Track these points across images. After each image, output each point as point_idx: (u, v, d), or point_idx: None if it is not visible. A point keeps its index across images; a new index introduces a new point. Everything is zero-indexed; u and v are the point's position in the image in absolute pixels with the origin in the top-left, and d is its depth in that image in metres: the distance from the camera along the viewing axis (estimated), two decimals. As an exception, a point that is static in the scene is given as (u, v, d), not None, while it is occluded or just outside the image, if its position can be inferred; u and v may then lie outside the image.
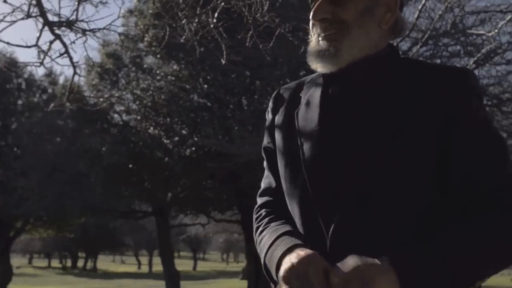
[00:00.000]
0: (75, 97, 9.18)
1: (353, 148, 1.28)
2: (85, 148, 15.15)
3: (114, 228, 37.55)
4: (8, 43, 4.13)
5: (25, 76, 19.14)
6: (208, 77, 12.31)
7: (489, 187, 1.23)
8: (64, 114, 16.32)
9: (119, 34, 6.36)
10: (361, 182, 1.26)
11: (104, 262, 55.83)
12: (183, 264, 40.32)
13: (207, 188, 14.79)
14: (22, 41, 4.01)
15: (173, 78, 12.97)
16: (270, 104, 1.55)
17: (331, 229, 1.28)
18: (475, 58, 5.74)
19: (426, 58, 11.70)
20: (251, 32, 4.08)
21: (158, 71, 13.56)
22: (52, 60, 4.18)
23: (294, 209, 1.39)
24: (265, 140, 1.54)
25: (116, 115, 15.69)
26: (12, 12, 3.96)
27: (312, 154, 1.33)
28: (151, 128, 13.34)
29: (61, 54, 4.17)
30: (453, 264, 1.15)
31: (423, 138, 1.26)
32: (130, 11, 13.78)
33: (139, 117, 13.86)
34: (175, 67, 13.05)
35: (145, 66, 14.37)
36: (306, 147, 1.35)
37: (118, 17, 4.94)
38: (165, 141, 13.10)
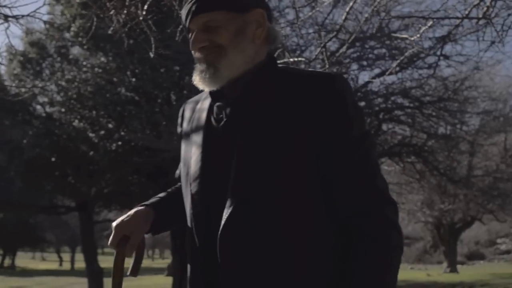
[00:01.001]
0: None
1: (232, 161, 1.39)
2: (5, 140, 14.52)
3: (34, 224, 36.24)
4: None
5: None
6: (137, 71, 12.10)
7: (351, 212, 1.35)
8: (-18, 104, 15.56)
9: (44, 22, 6.14)
10: (239, 194, 1.36)
11: (23, 259, 53.72)
12: (107, 261, 39.46)
13: (133, 183, 14.54)
14: None
15: (100, 70, 12.66)
16: (179, 118, 1.69)
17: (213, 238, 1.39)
18: (398, 61, 5.95)
19: (353, 60, 12.03)
20: (181, 26, 4.04)
21: (84, 63, 13.20)
22: (-30, 46, 3.98)
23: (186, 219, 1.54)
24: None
25: (39, 107, 15.13)
26: None
27: (195, 170, 1.47)
28: (76, 121, 12.98)
29: (-20, 41, 3.98)
30: None
31: (297, 148, 1.35)
32: (57, -1, 13.32)
33: (63, 109, 13.45)
34: (102, 59, 12.74)
35: (71, 56, 13.95)
36: (193, 161, 1.49)
37: (44, 4, 4.77)
38: (90, 134, 12.78)
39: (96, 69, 12.71)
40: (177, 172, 1.73)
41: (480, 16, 4.14)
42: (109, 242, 1.52)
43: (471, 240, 37.96)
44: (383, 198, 1.37)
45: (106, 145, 12.55)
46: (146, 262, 47.15)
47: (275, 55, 3.97)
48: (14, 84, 12.33)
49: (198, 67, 1.47)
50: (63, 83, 13.15)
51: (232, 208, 1.36)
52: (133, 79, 12.26)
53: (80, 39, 12.18)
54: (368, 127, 1.50)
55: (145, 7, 4.13)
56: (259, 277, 1.33)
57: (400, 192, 21.14)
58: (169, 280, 15.78)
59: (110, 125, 12.74)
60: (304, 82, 1.40)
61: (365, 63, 12.30)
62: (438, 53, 7.69)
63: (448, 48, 10.23)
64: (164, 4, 4.15)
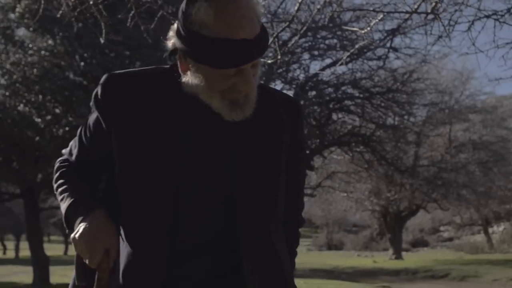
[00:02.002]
0: None
1: (218, 173, 1.44)
2: None
3: (-24, 211, 35.08)
4: None
5: None
6: (85, 55, 11.81)
7: (295, 210, 1.66)
8: None
9: (-13, 2, 5.89)
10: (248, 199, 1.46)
11: (-36, 247, 51.99)
12: (53, 249, 38.65)
13: (80, 170, 14.25)
14: None
15: (47, 54, 12.30)
16: (99, 97, 1.46)
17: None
18: (349, 53, 6.03)
19: (304, 49, 12.12)
20: (132, 12, 3.97)
21: (30, 45, 12.78)
22: None
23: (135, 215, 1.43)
24: (93, 120, 1.49)
25: (-19, 90, 14.60)
26: None
27: (164, 182, 1.40)
28: (21, 105, 12.59)
29: None
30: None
31: (281, 158, 1.52)
32: (1, -21, 12.83)
33: (7, 93, 13.01)
34: (49, 41, 12.37)
35: (16, 38, 13.47)
36: (161, 171, 1.40)
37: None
38: (36, 119, 12.43)
39: (43, 52, 12.35)
40: (66, 150, 1.61)
41: (429, 11, 4.24)
42: (89, 261, 1.38)
43: (416, 228, 39.09)
44: (302, 207, 1.72)
45: (52, 130, 12.25)
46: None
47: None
48: (-45, 66, 11.85)
49: (232, 102, 1.37)
50: (8, 66, 12.71)
51: (242, 215, 1.45)
52: (82, 64, 11.97)
53: (26, 20, 11.78)
54: None
55: (95, -10, 4.03)
56: (273, 266, 1.50)
57: (349, 181, 21.54)
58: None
59: (57, 110, 12.43)
60: (283, 102, 1.56)
61: (316, 53, 12.42)
62: (388, 45, 7.83)
63: (397, 41, 10.44)
64: (115, -12, 4.07)
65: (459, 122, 22.14)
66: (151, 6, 3.97)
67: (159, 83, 1.46)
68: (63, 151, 1.64)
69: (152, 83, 1.46)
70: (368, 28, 4.43)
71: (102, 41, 4.19)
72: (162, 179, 1.40)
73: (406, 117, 14.96)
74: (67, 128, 12.02)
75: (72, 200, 1.45)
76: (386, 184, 21.87)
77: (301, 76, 12.81)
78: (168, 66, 1.50)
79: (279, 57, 4.06)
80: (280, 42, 8.13)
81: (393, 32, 5.92)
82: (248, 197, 1.45)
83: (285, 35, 10.16)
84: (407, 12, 4.52)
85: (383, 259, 24.87)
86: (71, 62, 11.97)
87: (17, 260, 35.20)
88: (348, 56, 6.86)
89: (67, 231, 1.49)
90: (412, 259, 25.13)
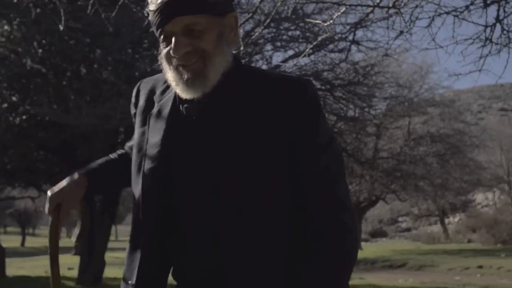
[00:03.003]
0: None
1: (197, 168, 1.43)
2: None
3: None
4: None
5: None
6: (44, 41, 11.51)
7: (316, 215, 1.40)
8: None
9: None
10: (225, 194, 1.39)
11: None
12: (10, 240, 37.81)
13: (38, 159, 13.93)
14: None
15: (3, 39, 11.94)
16: (133, 98, 1.65)
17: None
18: (312, 46, 6.06)
19: (267, 40, 12.11)
20: (93, -2, 3.89)
21: (-14, 31, 12.40)
22: None
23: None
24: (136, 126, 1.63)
25: None
26: None
27: (149, 169, 1.48)
28: (-24, 92, 12.22)
29: None
30: None
31: (271, 149, 1.39)
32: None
33: (-39, 80, 12.60)
34: (6, 27, 12.01)
35: (-30, 23, 13.05)
36: (148, 159, 1.49)
37: None
38: (-8, 107, 12.08)
39: (-1, 38, 12.00)
40: (128, 144, 1.77)
41: (391, 5, 4.29)
42: (45, 210, 1.59)
43: (375, 219, 39.80)
44: (340, 205, 1.44)
45: (9, 119, 11.93)
46: (51, 241, 45.58)
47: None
48: None
49: (178, 75, 1.41)
50: (-38, 52, 12.31)
51: (222, 206, 1.39)
52: (40, 50, 11.67)
53: (-19, 5, 11.41)
54: (333, 134, 1.55)
55: (54, -24, 3.93)
56: (257, 267, 1.39)
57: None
58: (77, 259, 15.37)
59: (14, 98, 12.10)
60: (277, 86, 1.44)
61: (279, 44, 12.43)
62: (350, 38, 7.90)
63: (359, 34, 10.52)
64: (74, -26, 3.97)
65: (418, 115, 22.58)
66: (112, -7, 3.90)
67: (165, 84, 1.54)
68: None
69: (161, 84, 1.57)
70: (331, 21, 4.46)
71: (61, 28, 4.09)
72: (147, 181, 1.47)
73: (366, 109, 15.13)
74: (24, 117, 11.73)
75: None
76: (346, 176, 22.13)
77: (264, 67, 12.82)
78: None
79: (242, 48, 4.05)
80: (244, 32, 8.11)
81: (355, 26, 5.97)
82: (226, 202, 1.39)
83: (248, 26, 10.12)
84: (369, 5, 4.56)
85: (342, 249, 25.23)
86: (29, 48, 11.65)
87: (-28, 252, 34.22)
88: (310, 48, 6.88)
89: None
90: (371, 249, 25.57)
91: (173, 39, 1.38)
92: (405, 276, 14.97)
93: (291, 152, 1.41)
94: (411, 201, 28.12)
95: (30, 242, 45.72)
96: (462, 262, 16.82)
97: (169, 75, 1.43)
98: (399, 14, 4.26)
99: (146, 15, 1.46)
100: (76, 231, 1.65)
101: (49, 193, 1.58)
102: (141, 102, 1.59)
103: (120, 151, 1.79)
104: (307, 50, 5.81)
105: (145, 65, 10.70)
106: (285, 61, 12.35)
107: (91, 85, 10.68)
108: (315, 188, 1.42)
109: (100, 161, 1.74)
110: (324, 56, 12.50)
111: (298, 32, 11.93)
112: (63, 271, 14.99)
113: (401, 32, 5.09)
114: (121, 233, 35.09)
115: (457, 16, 5.26)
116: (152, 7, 1.41)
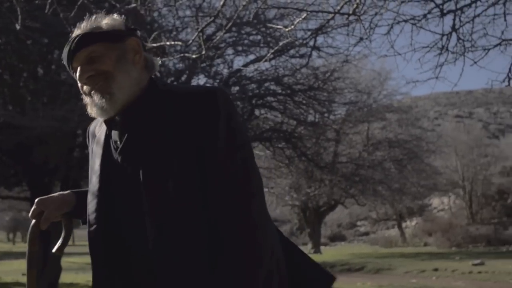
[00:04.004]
0: None
1: (127, 192, 1.53)
2: None
3: None
4: None
5: None
6: (-1, 41, 11.24)
7: (223, 231, 1.42)
8: None
9: None
10: (153, 219, 1.46)
11: None
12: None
13: (-8, 161, 13.55)
14: None
15: (-44, 38, 11.59)
16: (87, 137, 1.80)
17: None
18: (273, 51, 6.10)
19: (229, 44, 12.11)
20: (51, -2, 3.81)
21: None
22: None
23: None
24: None
25: None
26: None
27: (91, 195, 1.62)
28: None
29: None
30: None
31: (187, 169, 1.45)
32: None
33: None
34: (-41, 25, 11.67)
35: None
36: (91, 189, 1.62)
37: None
38: None
39: (-48, 36, 11.63)
40: None
41: (351, 12, 4.35)
42: (29, 213, 1.71)
43: (334, 223, 40.17)
44: (249, 223, 1.44)
45: (-38, 120, 11.58)
46: (6, 246, 44.49)
47: (151, 37, 3.91)
48: None
49: (91, 100, 1.55)
50: None
51: (153, 231, 1.45)
52: (-5, 50, 11.38)
53: None
54: (247, 139, 1.51)
55: (11, -26, 3.84)
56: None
57: (270, 176, 21.78)
58: (31, 264, 14.98)
59: (-33, 99, 11.76)
60: (188, 100, 1.50)
61: (240, 48, 12.45)
62: (311, 44, 7.98)
63: (320, 40, 10.63)
64: (32, -27, 3.89)
65: (376, 121, 22.95)
66: (71, -7, 3.83)
67: None
68: None
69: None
70: (292, 27, 4.49)
71: (18, 27, 4.00)
72: (91, 214, 1.61)
73: (326, 114, 15.29)
74: (-22, 118, 11.40)
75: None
76: (306, 180, 22.30)
77: (225, 71, 12.82)
78: None
79: (203, 52, 4.03)
80: (204, 36, 8.09)
81: (316, 32, 6.03)
82: (151, 224, 1.46)
83: (209, 29, 10.11)
84: (330, 12, 4.62)
85: (302, 253, 25.35)
86: (-17, 48, 11.34)
87: None
88: (272, 53, 6.92)
89: None
90: (330, 253, 25.80)
91: (78, 69, 1.56)
92: (363, 280, 15.16)
93: (201, 163, 1.45)
94: (370, 205, 28.51)
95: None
96: (418, 265, 17.14)
97: (87, 104, 1.57)
98: (359, 21, 4.33)
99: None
100: (59, 242, 1.73)
101: (36, 199, 1.71)
102: (91, 139, 1.74)
103: None
104: (268, 55, 5.84)
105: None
106: (246, 65, 12.39)
107: (48, 86, 10.47)
108: (220, 202, 1.45)
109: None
110: (285, 61, 12.57)
111: (259, 37, 11.97)
112: (18, 277, 14.61)
113: (361, 39, 5.17)
114: (79, 238, 34.47)
115: (415, 24, 5.37)
116: (64, 60, 1.61)
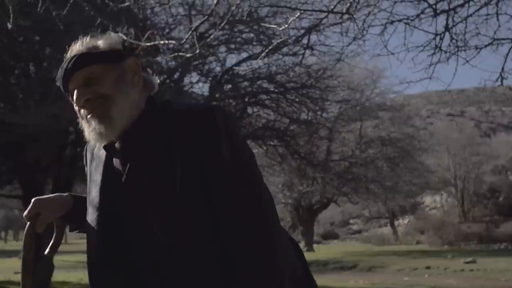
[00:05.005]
0: None
1: (129, 217, 1.51)
2: None
3: None
4: None
5: None
6: (-9, 38, 11.16)
7: (231, 247, 1.40)
8: None
9: None
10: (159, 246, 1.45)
11: None
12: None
13: (-17, 159, 13.47)
14: None
15: None
16: (83, 158, 1.74)
17: None
18: (267, 50, 6.09)
19: (221, 42, 12.08)
20: (43, -5, 3.79)
21: None
22: None
23: None
24: None
25: None
26: None
27: (91, 220, 1.58)
28: None
29: None
30: None
31: (191, 191, 1.42)
32: None
33: None
34: (-49, 22, 11.59)
35: None
36: (91, 211, 1.58)
37: None
38: None
39: None
40: None
41: (344, 11, 4.34)
42: (24, 214, 1.64)
43: (327, 221, 40.25)
44: (258, 240, 1.40)
45: (-47, 118, 11.50)
46: (-3, 244, 44.27)
47: (145, 37, 3.89)
48: None
49: (90, 124, 1.49)
50: None
51: (156, 255, 1.46)
52: (-13, 47, 11.30)
53: None
54: (251, 153, 1.52)
55: (2, -29, 3.81)
56: None
57: (263, 174, 21.75)
58: (23, 262, 14.91)
59: (-42, 97, 11.68)
60: (186, 119, 1.46)
61: (233, 46, 12.42)
62: (305, 42, 7.97)
63: (313, 39, 10.61)
64: (24, -30, 3.86)
65: (369, 119, 22.99)
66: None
67: None
68: None
69: None
70: (286, 26, 4.48)
71: (9, 25, 3.97)
72: (91, 232, 1.59)
73: (319, 112, 15.28)
74: (-31, 117, 11.32)
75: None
76: (299, 178, 22.32)
77: (217, 69, 12.80)
78: None
79: (197, 51, 4.01)
80: (198, 33, 8.07)
81: (309, 30, 6.02)
82: (138, 240, 1.48)
83: (202, 27, 10.09)
84: (323, 11, 4.61)
85: (294, 251, 25.38)
86: (-25, 45, 11.26)
87: None
88: (265, 52, 6.91)
89: None
90: (322, 251, 25.85)
91: (75, 92, 1.49)
92: (355, 278, 15.20)
93: (204, 180, 1.42)
94: (362, 203, 28.59)
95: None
96: (410, 263, 17.21)
97: (84, 128, 1.52)
98: (353, 20, 4.33)
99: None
100: (51, 243, 1.68)
101: (33, 200, 1.63)
102: (88, 162, 1.69)
103: None
104: (262, 54, 5.83)
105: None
106: (239, 63, 12.37)
107: (40, 84, 10.41)
108: (227, 222, 1.41)
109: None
110: (278, 59, 12.55)
111: (252, 35, 11.94)
112: (10, 276, 14.53)
113: (355, 38, 5.17)
114: (71, 236, 34.39)
115: (408, 24, 5.38)
116: (58, 81, 1.55)
